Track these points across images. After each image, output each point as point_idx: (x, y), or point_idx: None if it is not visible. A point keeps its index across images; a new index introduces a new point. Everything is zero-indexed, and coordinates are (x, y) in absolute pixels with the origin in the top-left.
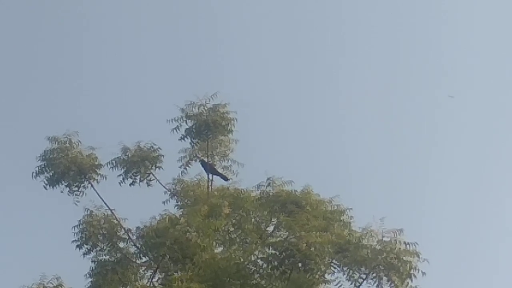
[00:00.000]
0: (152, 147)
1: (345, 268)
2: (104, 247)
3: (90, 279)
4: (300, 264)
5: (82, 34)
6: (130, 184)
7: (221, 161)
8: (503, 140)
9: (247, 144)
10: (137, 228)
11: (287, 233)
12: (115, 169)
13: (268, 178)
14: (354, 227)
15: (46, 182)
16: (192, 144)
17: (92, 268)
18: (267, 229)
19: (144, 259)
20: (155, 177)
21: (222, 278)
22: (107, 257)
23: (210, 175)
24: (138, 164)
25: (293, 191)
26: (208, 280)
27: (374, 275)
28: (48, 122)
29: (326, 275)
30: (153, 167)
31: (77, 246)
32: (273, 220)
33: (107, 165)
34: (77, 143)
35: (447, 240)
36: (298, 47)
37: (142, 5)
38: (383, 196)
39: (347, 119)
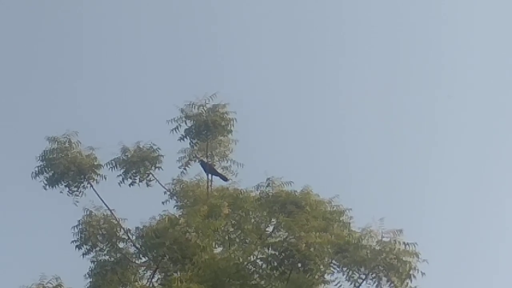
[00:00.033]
0: (151, 147)
1: (344, 269)
2: (104, 247)
3: (89, 279)
4: (299, 265)
5: (82, 34)
6: (129, 185)
7: (220, 162)
8: (503, 140)
9: (246, 144)
10: (137, 228)
11: (287, 233)
12: (114, 169)
13: (268, 179)
14: (354, 228)
15: (45, 182)
16: (192, 144)
17: (92, 268)
18: (267, 229)
19: (143, 259)
20: (154, 177)
21: (222, 279)
22: (107, 257)
23: (210, 176)
24: (137, 164)
25: (292, 191)
26: (207, 281)
27: (373, 275)
28: (48, 122)
29: (325, 276)
30: (153, 168)
31: (77, 246)
32: (272, 220)
33: (106, 165)
34: (76, 143)
35: (447, 240)
36: (298, 47)
37: (142, 5)
38: (383, 196)
39: (347, 119)
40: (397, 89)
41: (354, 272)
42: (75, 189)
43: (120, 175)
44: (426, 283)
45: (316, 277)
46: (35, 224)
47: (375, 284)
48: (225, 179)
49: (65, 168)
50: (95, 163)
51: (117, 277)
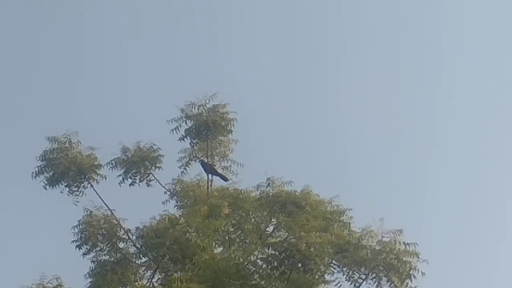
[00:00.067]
0: (151, 147)
1: (344, 269)
2: (104, 247)
3: (89, 279)
4: (299, 265)
5: (82, 34)
6: (129, 184)
7: (220, 162)
8: (503, 140)
9: (246, 144)
10: (137, 228)
11: (287, 233)
12: (114, 169)
13: (268, 179)
14: (354, 228)
15: (46, 182)
16: (192, 144)
17: (92, 268)
18: (267, 229)
19: (143, 259)
20: (154, 177)
21: (222, 279)
22: (107, 257)
23: (210, 176)
24: (137, 164)
25: (292, 191)
26: (207, 281)
27: (373, 275)
28: (48, 122)
29: (325, 276)
30: (153, 167)
31: (77, 246)
32: (272, 220)
33: (106, 165)
34: (77, 143)
35: (447, 240)
36: (298, 47)
37: (142, 5)
38: (383, 196)
39: (347, 119)
40: (397, 89)
41: (354, 272)
42: (75, 189)
43: (120, 175)
44: (426, 283)
45: (316, 277)
46: (35, 224)
47: (375, 284)
48: (225, 179)
49: (65, 168)
50: (95, 163)
51: (117, 277)
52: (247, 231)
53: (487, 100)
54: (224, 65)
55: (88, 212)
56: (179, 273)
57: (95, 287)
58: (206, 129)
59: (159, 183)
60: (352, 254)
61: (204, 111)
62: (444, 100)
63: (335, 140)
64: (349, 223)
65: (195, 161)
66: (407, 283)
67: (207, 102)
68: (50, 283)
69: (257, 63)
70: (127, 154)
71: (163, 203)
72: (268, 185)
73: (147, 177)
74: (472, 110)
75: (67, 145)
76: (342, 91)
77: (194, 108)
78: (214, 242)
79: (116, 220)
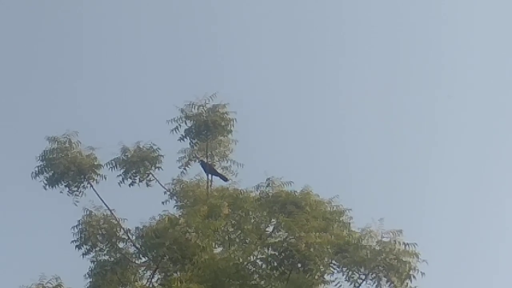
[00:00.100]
0: (151, 147)
1: (344, 269)
2: (104, 247)
3: (89, 279)
4: (299, 265)
5: (82, 34)
6: (129, 185)
7: (220, 162)
8: (503, 140)
9: (246, 144)
10: (137, 228)
11: (287, 233)
12: (114, 169)
13: (268, 179)
14: (354, 228)
15: (45, 182)
16: (192, 144)
17: (92, 268)
18: (267, 229)
19: (143, 260)
20: (154, 177)
21: (222, 279)
22: (107, 257)
23: (210, 176)
24: (137, 164)
25: (292, 191)
26: (207, 281)
27: (373, 275)
28: (48, 122)
29: (325, 276)
30: (153, 168)
31: (77, 246)
32: (272, 220)
33: (106, 165)
34: (76, 143)
35: (447, 240)
36: (298, 47)
37: (142, 5)
38: (383, 196)
39: (347, 119)
40: (397, 89)
41: (354, 272)
42: (75, 189)
43: (120, 175)
44: (426, 283)
45: (316, 277)
46: (35, 224)
47: (375, 285)
48: (225, 179)
49: (65, 168)
50: (95, 163)
51: (117, 277)
52: (247, 231)
53: (487, 100)
54: (224, 65)
55: (88, 212)
56: (178, 273)
57: (94, 287)
58: (206, 129)
59: (159, 183)
60: (352, 254)
61: (204, 111)
62: (444, 100)
63: (335, 140)
64: (349, 223)
65: (195, 161)
66: (407, 283)
67: (207, 102)
68: (50, 283)
69: (257, 63)
70: (126, 154)
71: (162, 203)
72: (268, 185)
73: (147, 177)
74: (472, 110)
75: (67, 145)
76: (342, 91)
77: (194, 108)
78: (213, 242)
79: (116, 220)
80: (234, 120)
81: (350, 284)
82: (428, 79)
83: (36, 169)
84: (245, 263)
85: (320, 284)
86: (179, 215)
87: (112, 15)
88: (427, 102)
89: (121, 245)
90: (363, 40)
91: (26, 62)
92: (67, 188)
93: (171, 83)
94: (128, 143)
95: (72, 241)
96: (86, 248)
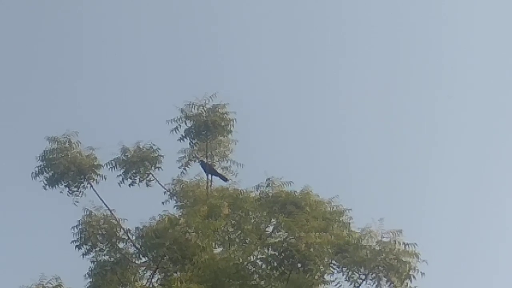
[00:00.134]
0: (151, 147)
1: (344, 269)
2: (104, 248)
3: (89, 280)
4: (299, 265)
5: (82, 34)
6: (129, 185)
7: (220, 162)
8: (503, 140)
9: (246, 144)
10: (137, 228)
11: (287, 233)
12: (114, 169)
13: (268, 179)
14: (354, 228)
15: (45, 182)
16: (192, 144)
17: (92, 268)
18: (267, 229)
19: (143, 260)
20: (154, 177)
21: (222, 279)
22: (107, 257)
23: (210, 176)
24: (137, 164)
25: (292, 191)
26: (207, 281)
27: (373, 275)
28: (48, 122)
29: (325, 276)
30: (153, 168)
31: (77, 246)
32: (272, 220)
33: (106, 166)
34: (76, 144)
35: (447, 240)
36: (298, 47)
37: (142, 5)
38: (383, 196)
39: (347, 119)
40: (397, 89)
41: (354, 272)
42: (75, 189)
43: (120, 175)
44: (426, 283)
45: (316, 277)
46: (35, 224)
47: (374, 285)
48: (225, 179)
49: (65, 168)
50: (95, 163)
51: (117, 277)
52: (247, 231)
53: (487, 100)
54: (224, 65)
55: (88, 212)
56: (178, 273)
57: (94, 287)
58: (206, 129)
59: (159, 183)
60: (352, 254)
61: (203, 111)
62: (444, 100)
63: (335, 140)
64: (349, 223)
65: (195, 161)
66: (407, 283)
67: (206, 102)
68: (50, 283)
69: (257, 63)
70: (126, 154)
71: (162, 203)
72: (268, 185)
73: (147, 177)
74: (472, 110)
75: (67, 145)
76: (342, 91)
77: (194, 108)
78: (213, 242)
79: (116, 220)
80: (234, 120)
81: (350, 284)
82: (428, 79)
83: (36, 169)
84: (245, 263)
85: (320, 284)
86: (179, 215)
87: (112, 15)
88: (427, 102)
89: (121, 245)
90: (363, 40)
91: (26, 62)
92: (67, 188)
93: (171, 83)
94: (128, 143)
95: (72, 241)
96: (86, 248)
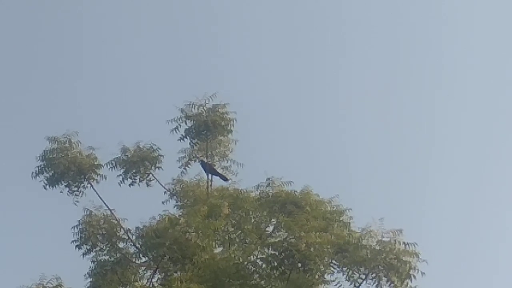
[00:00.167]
0: (151, 147)
1: (344, 269)
2: (104, 247)
3: (89, 279)
4: (299, 265)
5: (82, 34)
6: (129, 184)
7: (220, 162)
8: (503, 140)
9: (246, 144)
10: (137, 228)
11: (287, 233)
12: (114, 169)
13: (268, 179)
14: (354, 228)
15: (45, 182)
16: (192, 144)
17: (92, 268)
18: (267, 229)
19: (143, 259)
20: (154, 177)
21: (222, 279)
22: (107, 257)
23: (210, 176)
24: (137, 164)
25: (292, 191)
26: (207, 281)
27: (373, 275)
28: (48, 122)
29: (325, 276)
30: (153, 167)
31: (77, 246)
32: (272, 220)
33: (106, 165)
34: (76, 143)
35: (447, 240)
36: (298, 47)
37: (142, 5)
38: (383, 196)
39: (347, 119)
40: (397, 89)
41: (354, 272)
42: (75, 189)
43: (120, 175)
44: (426, 283)
45: (316, 277)
46: (35, 224)
47: (375, 284)
48: (225, 179)
49: (65, 168)
50: (95, 163)
51: (117, 277)
52: (247, 231)
53: (487, 100)
54: (224, 65)
55: (88, 212)
56: (179, 273)
57: (95, 287)
58: (206, 129)
59: (159, 183)
60: (352, 254)
61: (203, 111)
62: (444, 100)
63: (335, 140)
64: (349, 223)
65: (195, 161)
66: (407, 283)
67: (206, 102)
68: (50, 283)
69: (257, 63)
70: (127, 154)
71: (163, 203)
72: (268, 185)
73: (147, 177)
74: (472, 110)
75: (67, 145)
76: (342, 91)
77: (194, 108)
78: (214, 242)
79: (116, 220)
80: (234, 120)
81: (350, 283)
82: (428, 79)
83: (36, 169)
84: (245, 263)
85: (320, 284)
86: (179, 215)
87: (112, 15)
88: (427, 102)
89: (121, 245)
90: (363, 40)
91: (26, 62)
92: (67, 188)
93: (171, 83)
94: (128, 143)
95: (72, 241)
96: (86, 248)
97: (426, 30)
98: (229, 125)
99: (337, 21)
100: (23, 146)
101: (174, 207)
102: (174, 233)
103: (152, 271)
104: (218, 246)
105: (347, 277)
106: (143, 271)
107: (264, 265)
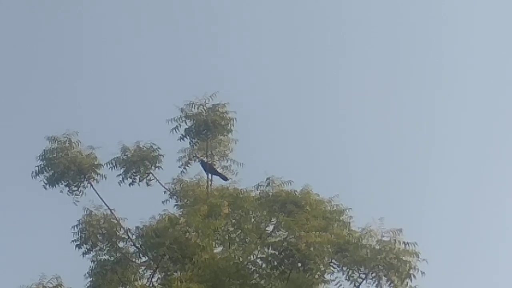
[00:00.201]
0: (151, 147)
1: (344, 268)
2: (104, 247)
3: (89, 279)
4: (299, 264)
5: (82, 34)
6: (129, 184)
7: (220, 161)
8: (503, 140)
9: (246, 144)
10: (137, 227)
11: (287, 233)
12: (114, 169)
13: (268, 178)
14: (354, 227)
15: (45, 181)
16: (192, 144)
17: (92, 267)
18: (267, 229)
19: (143, 259)
20: (154, 177)
21: (222, 278)
22: (107, 256)
23: (210, 175)
24: (137, 164)
25: (292, 191)
26: (207, 280)
27: (373, 275)
28: (48, 122)
29: (325, 275)
30: (153, 167)
31: (77, 246)
32: (272, 220)
33: (106, 165)
34: (76, 143)
35: (447, 240)
36: (298, 47)
37: (142, 5)
38: (383, 196)
39: (347, 119)
40: (397, 89)
41: (354, 271)
42: (75, 188)
43: (120, 174)
44: (426, 283)
45: (316, 276)
46: (35, 224)
47: (375, 284)
48: (225, 178)
49: (65, 167)
50: (95, 163)
51: (117, 276)
52: (247, 230)
53: (487, 100)
54: (224, 65)
55: (88, 212)
56: (179, 272)
57: (95, 287)
58: (206, 128)
59: (159, 182)
60: (352, 253)
61: (203, 111)
62: (444, 100)
63: (335, 140)
64: (349, 223)
65: (195, 160)
66: (407, 282)
67: (206, 102)
68: (50, 283)
69: (257, 63)
70: (127, 153)
71: (163, 202)
72: (268, 184)
73: (147, 176)
74: (472, 110)
75: (67, 144)
76: (342, 91)
77: (194, 108)
78: (214, 242)
79: (116, 219)
80: (234, 120)
81: (350, 283)
82: (428, 79)
83: (36, 168)
84: (245, 262)
85: (320, 284)
86: (179, 215)
87: (112, 15)
88: (427, 102)
89: (121, 244)
90: (363, 40)
91: (26, 62)
92: (67, 188)
93: (171, 83)
94: (128, 143)
95: (72, 241)
96: (86, 248)
97: (426, 30)
98: (229, 125)
99: (337, 21)
100: (23, 146)
101: (174, 206)
102: (174, 232)
103: (152, 270)
104: (218, 246)
105: (347, 276)
106: (143, 270)
107: (264, 265)
